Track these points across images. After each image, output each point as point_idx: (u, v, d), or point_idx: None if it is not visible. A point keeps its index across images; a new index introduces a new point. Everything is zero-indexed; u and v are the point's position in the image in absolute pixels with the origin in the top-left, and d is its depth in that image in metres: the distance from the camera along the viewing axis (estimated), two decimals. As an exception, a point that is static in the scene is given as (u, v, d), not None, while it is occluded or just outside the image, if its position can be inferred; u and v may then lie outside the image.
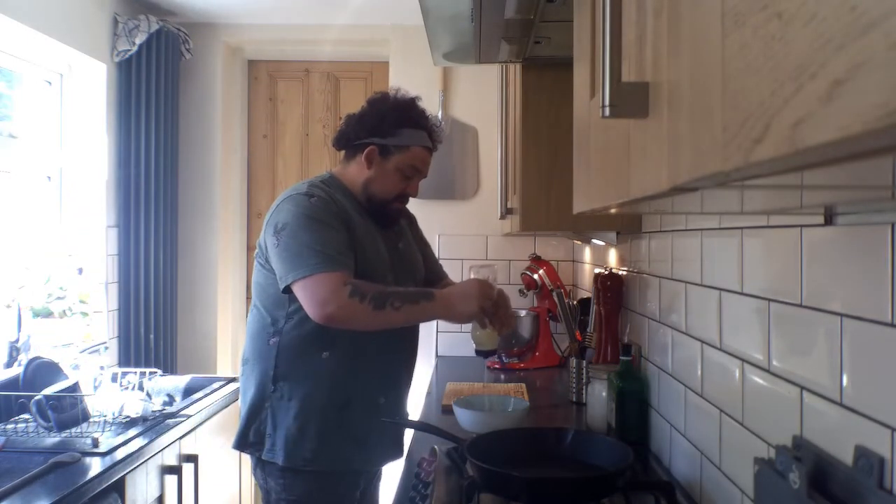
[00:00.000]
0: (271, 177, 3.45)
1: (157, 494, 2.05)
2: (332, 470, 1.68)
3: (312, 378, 1.66)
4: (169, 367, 3.01)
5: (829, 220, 0.87)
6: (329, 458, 1.66)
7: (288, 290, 1.60)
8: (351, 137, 1.79)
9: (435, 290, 1.64)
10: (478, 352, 1.89)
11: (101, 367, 2.58)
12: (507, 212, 2.30)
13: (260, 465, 1.71)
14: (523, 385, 2.32)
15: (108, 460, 1.80)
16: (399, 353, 1.79)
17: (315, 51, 3.31)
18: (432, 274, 2.01)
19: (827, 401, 0.87)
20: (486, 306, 1.61)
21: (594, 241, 2.36)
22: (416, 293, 1.62)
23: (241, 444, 1.71)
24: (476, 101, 3.16)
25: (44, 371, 2.21)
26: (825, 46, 0.27)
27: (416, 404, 2.25)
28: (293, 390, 1.66)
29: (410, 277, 1.84)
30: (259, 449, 1.68)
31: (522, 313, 2.79)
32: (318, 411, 1.65)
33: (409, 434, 1.83)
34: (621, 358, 1.70)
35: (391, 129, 1.75)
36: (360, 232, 1.69)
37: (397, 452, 1.83)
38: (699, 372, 1.34)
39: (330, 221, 1.62)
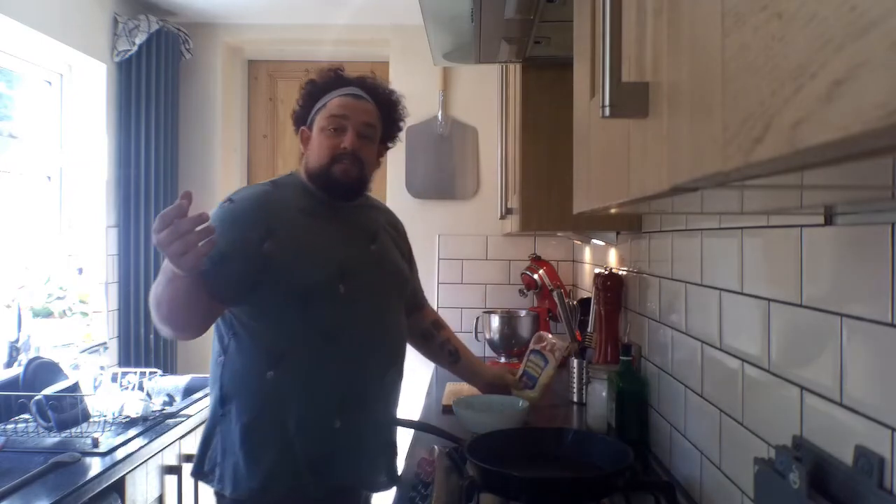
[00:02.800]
0: (271, 177, 3.44)
1: (157, 494, 2.05)
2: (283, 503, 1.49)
3: (258, 400, 1.49)
4: (169, 367, 3.01)
5: (829, 220, 0.87)
6: (279, 489, 1.47)
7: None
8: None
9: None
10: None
11: (101, 367, 2.58)
12: (507, 212, 2.30)
13: (216, 497, 1.55)
14: (523, 385, 2.32)
15: (108, 460, 1.80)
16: (364, 369, 1.54)
17: (315, 51, 3.31)
18: (411, 299, 1.83)
19: (827, 401, 0.87)
20: (163, 236, 1.26)
21: (594, 241, 2.36)
22: (162, 272, 1.39)
23: (197, 472, 1.57)
24: (476, 101, 3.16)
25: (44, 371, 2.21)
26: (825, 46, 0.27)
27: (416, 404, 2.25)
28: (240, 413, 1.49)
29: (386, 283, 1.64)
30: (211, 479, 1.53)
31: (522, 313, 2.79)
32: (265, 437, 1.48)
33: (409, 434, 1.82)
34: (621, 358, 1.70)
35: (312, 104, 1.63)
36: (296, 233, 1.51)
37: (381, 479, 1.61)
38: (699, 372, 1.34)
39: (225, 228, 1.45)
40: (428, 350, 1.95)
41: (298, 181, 1.63)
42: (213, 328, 1.57)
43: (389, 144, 1.74)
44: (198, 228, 1.27)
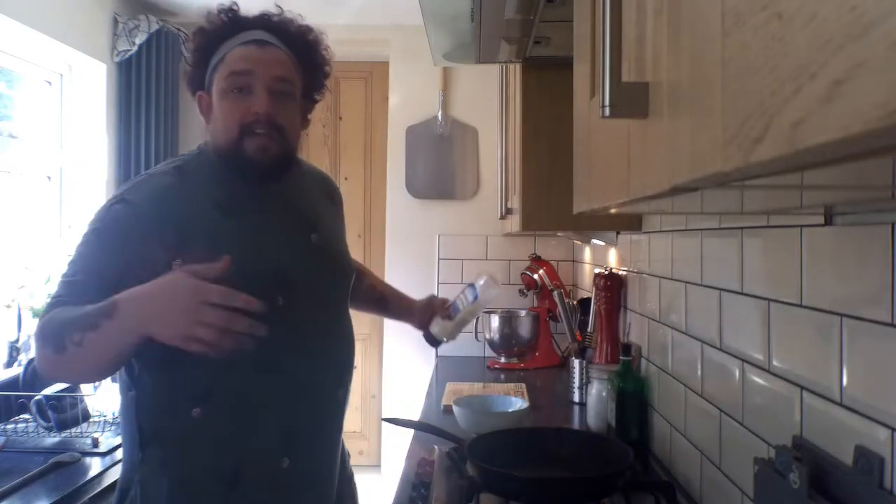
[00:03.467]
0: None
1: (157, 494, 2.05)
2: None
3: (185, 442, 1.19)
4: (169, 367, 3.00)
5: (829, 220, 0.87)
6: None
7: None
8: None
9: (119, 299, 1.05)
10: (429, 338, 1.65)
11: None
12: (507, 212, 2.30)
13: None
14: (523, 385, 2.33)
15: (108, 460, 1.80)
16: (312, 394, 1.27)
17: (315, 51, 3.31)
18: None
19: (827, 401, 0.87)
20: (202, 319, 1.00)
21: (594, 241, 2.36)
22: (95, 312, 1.05)
23: None
24: (476, 101, 3.16)
25: (44, 371, 2.21)
26: (825, 46, 0.26)
27: (416, 404, 2.25)
28: (164, 462, 1.18)
29: (334, 282, 1.36)
30: None
31: (522, 313, 2.79)
32: (198, 488, 1.19)
33: (409, 434, 1.82)
34: (621, 358, 1.70)
35: (207, 60, 1.28)
36: (215, 238, 1.19)
37: None
38: (699, 372, 1.34)
39: (119, 242, 1.16)
40: (353, 304, 1.53)
41: (208, 161, 1.28)
42: None
43: (317, 97, 1.38)
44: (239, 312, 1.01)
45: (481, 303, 1.61)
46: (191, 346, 1.01)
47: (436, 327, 1.63)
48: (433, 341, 1.64)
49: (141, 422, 1.20)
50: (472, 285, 1.64)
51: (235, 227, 1.23)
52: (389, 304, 1.70)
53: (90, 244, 1.17)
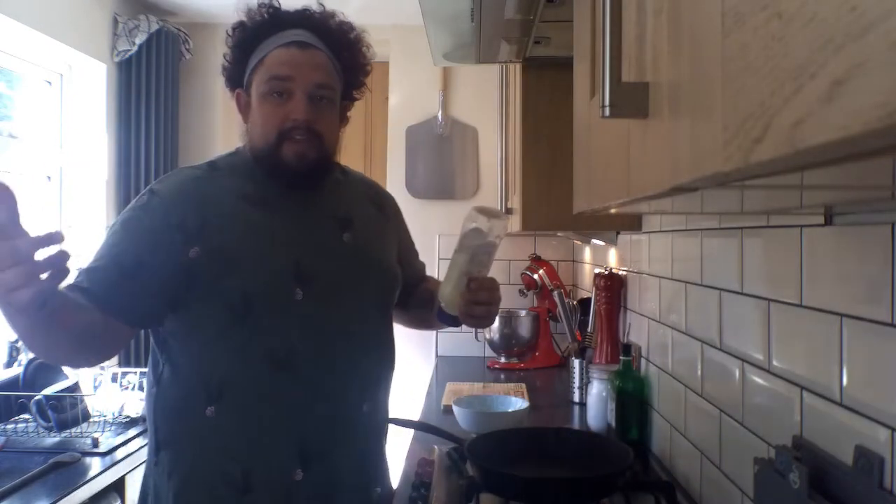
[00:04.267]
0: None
1: (157, 494, 2.05)
2: None
3: (196, 445, 1.16)
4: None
5: (829, 220, 0.87)
6: None
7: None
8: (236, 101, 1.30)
9: None
10: (440, 314, 1.33)
11: (101, 367, 2.57)
12: (507, 212, 2.30)
13: None
14: (523, 385, 2.33)
15: (108, 460, 1.80)
16: (332, 402, 1.20)
17: (315, 51, 3.31)
18: (413, 281, 1.49)
19: (827, 401, 0.87)
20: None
21: (594, 241, 2.36)
22: None
23: None
24: (476, 101, 3.16)
25: (44, 371, 2.21)
26: (825, 46, 0.26)
27: (416, 404, 2.25)
28: (174, 463, 1.17)
29: (366, 284, 1.28)
30: None
31: (522, 313, 2.79)
32: (205, 494, 1.16)
33: (409, 434, 1.83)
34: (621, 358, 1.70)
35: (246, 58, 1.24)
36: (235, 226, 1.18)
37: None
38: (699, 372, 1.34)
39: (141, 231, 1.16)
40: (410, 314, 1.51)
41: (244, 161, 1.27)
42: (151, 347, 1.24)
43: (356, 96, 1.34)
44: (43, 254, 0.88)
45: (468, 248, 1.29)
46: (8, 300, 0.89)
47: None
48: (445, 318, 1.33)
49: (157, 422, 1.20)
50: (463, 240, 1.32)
51: (259, 218, 1.20)
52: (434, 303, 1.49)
53: (115, 234, 1.17)
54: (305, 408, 1.18)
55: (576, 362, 2.15)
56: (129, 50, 2.89)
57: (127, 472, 1.84)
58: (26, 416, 2.05)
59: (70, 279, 1.00)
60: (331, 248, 1.26)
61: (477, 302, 1.27)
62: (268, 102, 1.21)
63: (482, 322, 1.32)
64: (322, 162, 1.24)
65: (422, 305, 1.48)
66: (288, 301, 1.17)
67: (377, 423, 1.31)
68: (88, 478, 1.68)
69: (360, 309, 1.27)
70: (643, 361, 1.76)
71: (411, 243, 1.52)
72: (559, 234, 2.82)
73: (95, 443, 1.88)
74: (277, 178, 1.23)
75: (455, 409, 1.83)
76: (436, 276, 3.11)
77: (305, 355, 1.19)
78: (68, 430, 1.96)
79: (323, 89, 1.22)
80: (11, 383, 2.16)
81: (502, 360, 2.75)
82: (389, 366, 1.34)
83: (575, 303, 2.52)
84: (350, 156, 3.56)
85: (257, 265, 1.16)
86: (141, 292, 1.13)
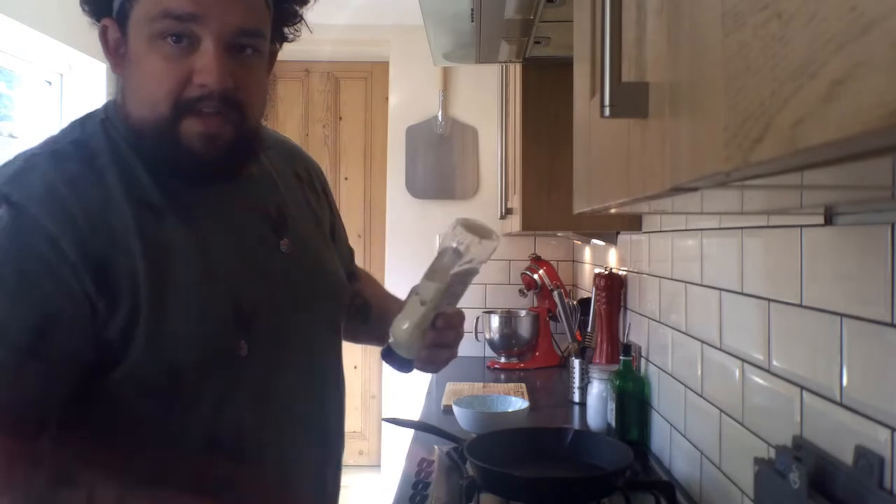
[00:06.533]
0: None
1: (157, 494, 2.05)
2: None
3: None
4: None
5: (829, 220, 0.87)
6: None
7: None
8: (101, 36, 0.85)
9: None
10: (388, 354, 1.03)
11: None
12: (507, 212, 2.30)
13: None
14: (523, 385, 2.33)
15: (108, 460, 1.80)
16: (284, 487, 0.91)
17: (315, 51, 3.31)
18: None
19: (827, 401, 0.87)
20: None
21: (594, 241, 2.36)
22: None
23: None
24: (476, 101, 3.16)
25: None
26: (825, 46, 0.26)
27: (416, 404, 2.25)
28: None
29: (319, 307, 0.97)
30: None
31: (522, 313, 2.79)
32: None
33: (408, 434, 1.82)
34: (621, 358, 1.70)
35: None
36: (149, 257, 0.78)
37: None
38: (699, 372, 1.34)
39: (7, 271, 0.74)
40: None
41: (123, 136, 0.84)
42: None
43: (289, 36, 0.93)
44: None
45: (444, 275, 0.99)
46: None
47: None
48: (395, 360, 1.02)
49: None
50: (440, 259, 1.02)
51: (173, 238, 0.81)
52: (371, 314, 1.19)
53: None
54: (257, 495, 0.88)
55: (576, 362, 2.15)
56: (129, 50, 2.89)
57: (127, 472, 1.84)
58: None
59: None
60: (271, 269, 0.90)
61: (442, 344, 1.00)
62: (158, 51, 0.78)
63: (440, 368, 1.07)
64: (242, 144, 0.84)
65: (355, 315, 1.14)
66: (230, 362, 0.82)
67: (338, 489, 1.03)
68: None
69: (314, 346, 0.97)
70: (643, 361, 1.76)
71: (341, 221, 1.13)
72: (559, 234, 2.82)
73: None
74: (172, 169, 0.83)
75: (455, 409, 1.83)
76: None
77: (253, 434, 0.86)
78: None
79: (247, 36, 0.81)
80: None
81: (502, 360, 2.75)
82: (344, 409, 1.05)
83: (575, 303, 2.52)
84: (350, 156, 3.56)
85: (188, 319, 0.78)
86: (37, 390, 0.74)
